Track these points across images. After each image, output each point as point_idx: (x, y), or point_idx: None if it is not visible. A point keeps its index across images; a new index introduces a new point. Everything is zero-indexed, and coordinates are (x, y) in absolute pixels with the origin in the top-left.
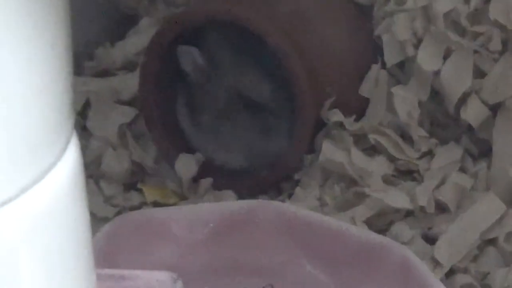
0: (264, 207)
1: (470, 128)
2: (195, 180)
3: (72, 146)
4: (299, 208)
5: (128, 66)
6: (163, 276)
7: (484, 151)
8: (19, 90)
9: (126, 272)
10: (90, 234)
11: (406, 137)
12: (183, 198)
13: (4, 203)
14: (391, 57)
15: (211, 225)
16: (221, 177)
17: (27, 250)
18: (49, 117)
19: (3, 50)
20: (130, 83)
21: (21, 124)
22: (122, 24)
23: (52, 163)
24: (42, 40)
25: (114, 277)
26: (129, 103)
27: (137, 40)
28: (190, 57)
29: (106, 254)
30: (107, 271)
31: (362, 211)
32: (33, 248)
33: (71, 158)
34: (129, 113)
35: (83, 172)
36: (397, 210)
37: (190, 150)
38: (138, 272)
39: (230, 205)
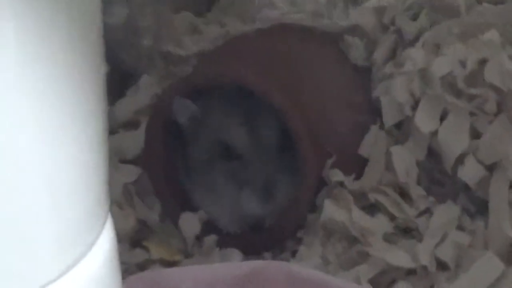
0: (271, 267)
1: (467, 186)
2: (200, 237)
3: (108, 226)
4: (306, 268)
5: (129, 124)
6: None
7: (481, 209)
8: (68, 178)
9: None
10: None
11: (404, 195)
12: (188, 255)
13: (50, 282)
14: (389, 118)
15: (220, 285)
16: (225, 235)
17: None
18: (90, 200)
19: (55, 146)
20: (133, 141)
21: (67, 209)
22: (122, 82)
23: (91, 243)
24: (88, 140)
25: None
26: (133, 161)
27: (137, 98)
28: (185, 109)
29: None
30: None
31: (366, 270)
32: None
33: (107, 238)
34: (134, 172)
35: (117, 248)
36: (399, 269)
37: (194, 208)
38: None
39: (238, 265)
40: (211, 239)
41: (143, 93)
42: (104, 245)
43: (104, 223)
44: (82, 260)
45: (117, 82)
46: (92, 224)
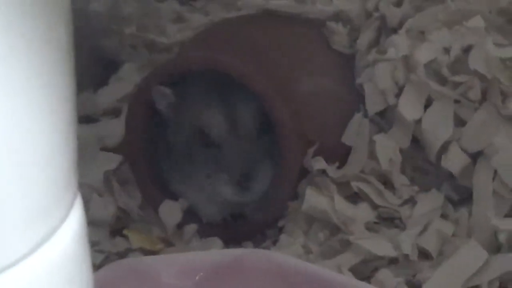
0: (253, 255)
1: (450, 175)
2: (180, 226)
3: (77, 204)
4: (287, 256)
5: (111, 112)
6: None
7: (464, 198)
8: (33, 157)
9: None
10: (93, 284)
11: (388, 184)
12: (168, 244)
13: (20, 259)
14: (373, 106)
15: (201, 273)
16: (205, 223)
17: None
18: (57, 180)
19: (20, 127)
20: (114, 129)
21: (34, 186)
22: (104, 70)
23: (59, 222)
24: (55, 117)
25: None
26: (114, 149)
27: (120, 86)
28: (163, 97)
29: None
30: None
31: (347, 258)
32: None
33: (77, 215)
34: (114, 159)
35: (86, 226)
36: (381, 257)
37: (175, 196)
38: None
39: (219, 253)
40: (191, 228)
41: (126, 81)
42: (73, 225)
43: (72, 203)
44: (50, 239)
45: (100, 70)
46: (60, 203)
